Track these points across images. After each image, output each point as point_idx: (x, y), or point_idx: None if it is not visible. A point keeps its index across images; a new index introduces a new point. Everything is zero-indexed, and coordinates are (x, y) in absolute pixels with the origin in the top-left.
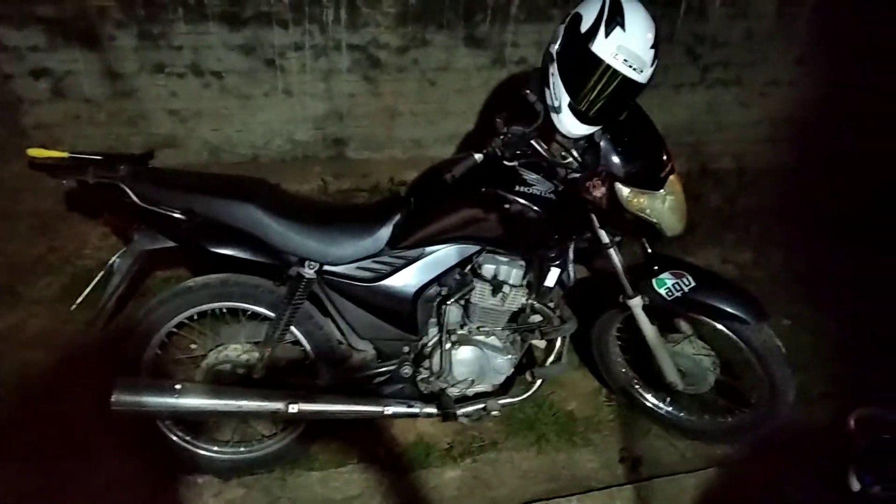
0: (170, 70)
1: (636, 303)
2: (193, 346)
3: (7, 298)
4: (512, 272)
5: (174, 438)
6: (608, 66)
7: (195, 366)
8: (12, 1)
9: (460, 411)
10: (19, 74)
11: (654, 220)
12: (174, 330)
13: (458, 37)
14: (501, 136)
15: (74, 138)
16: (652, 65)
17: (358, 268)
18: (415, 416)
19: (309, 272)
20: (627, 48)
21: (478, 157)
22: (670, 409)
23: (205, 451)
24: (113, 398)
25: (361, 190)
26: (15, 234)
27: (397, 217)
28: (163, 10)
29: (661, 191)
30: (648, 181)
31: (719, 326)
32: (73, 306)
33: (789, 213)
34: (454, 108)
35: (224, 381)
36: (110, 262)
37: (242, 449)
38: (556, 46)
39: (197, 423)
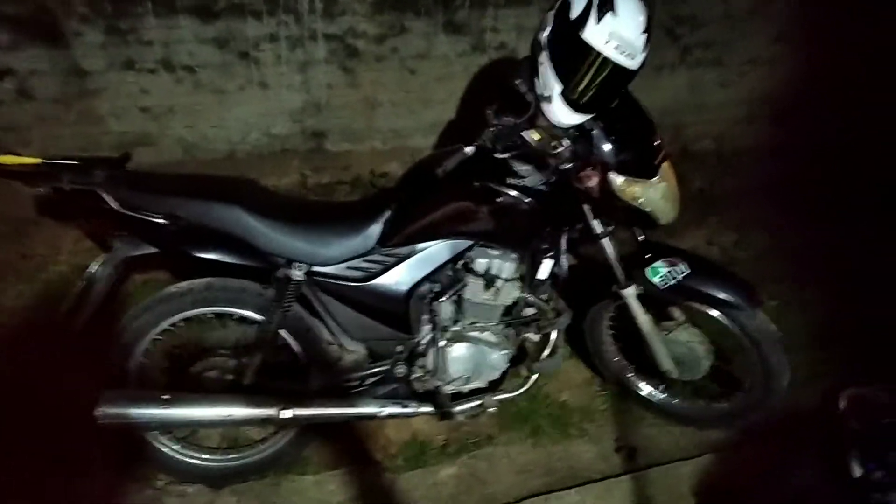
0: (140, 66)
1: (630, 292)
2: (179, 352)
3: None
4: (504, 266)
5: (162, 448)
6: (600, 54)
7: (182, 374)
8: None
9: (457, 409)
10: None
11: (648, 209)
12: (159, 337)
13: (437, 23)
14: (492, 128)
15: (43, 140)
16: (644, 50)
17: (348, 268)
18: (411, 416)
19: (297, 274)
20: (619, 34)
21: (468, 150)
22: (664, 396)
23: (195, 460)
24: (98, 411)
25: (342, 183)
26: None
27: (387, 214)
28: (130, 4)
29: (655, 178)
30: (641, 169)
31: (713, 313)
32: (56, 316)
33: (771, 193)
34: (435, 97)
35: (213, 388)
36: (90, 270)
37: (233, 455)
38: (545, 34)
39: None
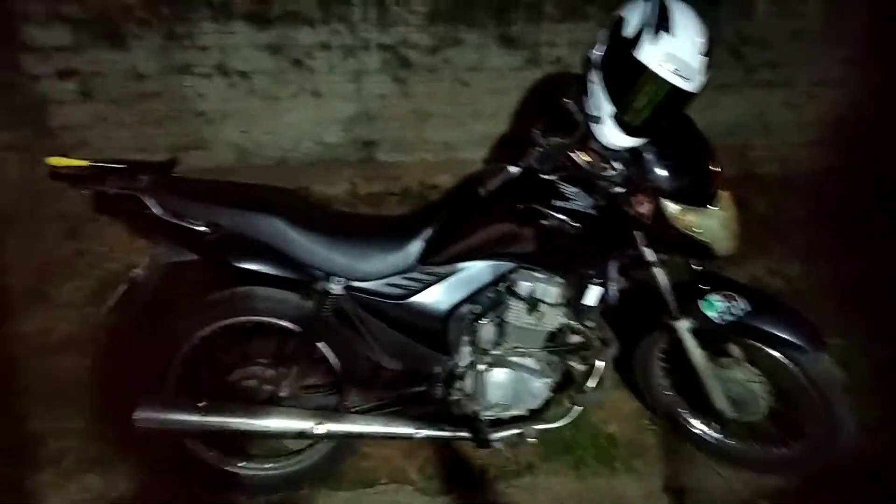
0: (196, 71)
1: (683, 325)
2: (218, 360)
3: (36, 301)
4: (549, 290)
5: (199, 453)
6: (654, 75)
7: (221, 381)
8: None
9: (495, 436)
10: (46, 75)
11: (705, 239)
12: (199, 343)
13: (491, 36)
14: (539, 148)
15: (101, 140)
16: (703, 73)
17: (387, 284)
18: (447, 440)
19: (336, 288)
20: (676, 55)
21: (513, 170)
22: (718, 436)
23: (230, 468)
24: (136, 416)
25: (392, 193)
26: (43, 236)
27: (428, 231)
28: (188, 10)
29: (712, 207)
30: (697, 196)
31: (773, 353)
32: (103, 314)
33: (840, 220)
34: (486, 110)
35: (250, 397)
36: (131, 274)
37: (269, 465)
38: (598, 52)
39: (222, 439)
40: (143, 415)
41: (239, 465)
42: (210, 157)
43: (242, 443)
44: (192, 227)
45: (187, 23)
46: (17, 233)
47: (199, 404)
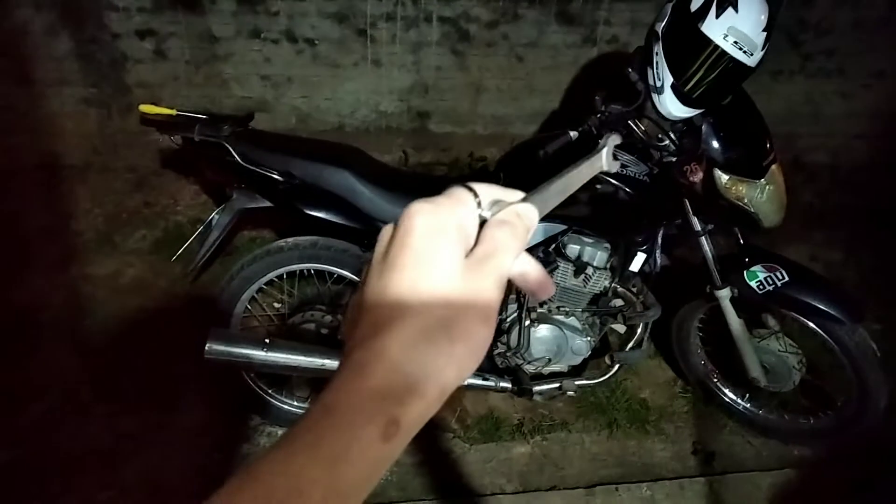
0: (265, 35)
1: (724, 294)
2: (278, 305)
3: (105, 248)
4: (597, 254)
5: (257, 390)
6: (717, 47)
7: (280, 323)
8: None
9: (536, 388)
10: (126, 34)
11: (752, 210)
12: (264, 287)
13: (550, 13)
14: (598, 115)
15: (172, 98)
16: (763, 48)
17: None
18: (490, 389)
19: None
20: (739, 29)
21: (573, 134)
22: (749, 405)
23: (286, 405)
24: (206, 347)
25: (441, 164)
26: (113, 187)
27: None
28: None
29: (762, 180)
30: (749, 169)
31: (810, 324)
32: (174, 257)
33: (886, 213)
34: (540, 86)
35: (307, 340)
36: (210, 218)
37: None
38: (662, 25)
39: (279, 378)
40: (213, 346)
41: (293, 403)
42: (272, 120)
43: (297, 382)
44: (268, 174)
45: None
46: (91, 183)
47: (265, 341)
